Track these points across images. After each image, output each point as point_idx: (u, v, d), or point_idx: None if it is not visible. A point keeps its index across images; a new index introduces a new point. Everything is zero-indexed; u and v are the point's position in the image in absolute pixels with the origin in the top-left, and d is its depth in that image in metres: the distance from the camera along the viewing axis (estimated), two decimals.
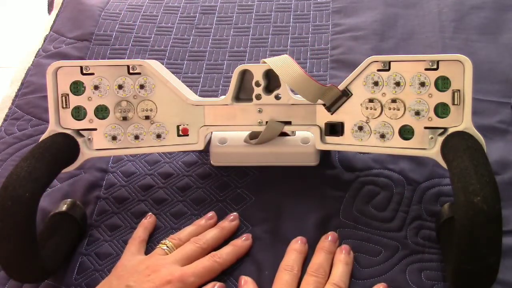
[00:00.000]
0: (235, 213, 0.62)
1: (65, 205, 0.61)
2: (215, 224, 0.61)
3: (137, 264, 0.55)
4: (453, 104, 0.57)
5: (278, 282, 0.55)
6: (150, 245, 0.61)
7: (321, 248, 0.57)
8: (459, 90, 0.57)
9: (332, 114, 0.62)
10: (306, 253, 0.58)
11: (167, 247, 0.57)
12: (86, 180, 0.68)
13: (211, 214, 0.62)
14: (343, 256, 0.56)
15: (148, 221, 0.62)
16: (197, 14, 0.92)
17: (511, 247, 0.56)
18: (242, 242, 0.59)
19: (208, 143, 0.67)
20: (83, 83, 0.63)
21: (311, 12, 0.90)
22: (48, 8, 1.00)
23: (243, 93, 0.65)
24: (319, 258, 0.56)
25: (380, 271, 0.56)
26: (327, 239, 0.58)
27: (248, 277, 0.56)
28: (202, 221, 0.61)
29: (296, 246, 0.58)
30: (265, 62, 0.61)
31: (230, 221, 0.61)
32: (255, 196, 0.65)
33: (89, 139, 0.63)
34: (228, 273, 0.58)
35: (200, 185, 0.66)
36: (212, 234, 0.59)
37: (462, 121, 0.57)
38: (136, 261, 0.56)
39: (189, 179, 0.67)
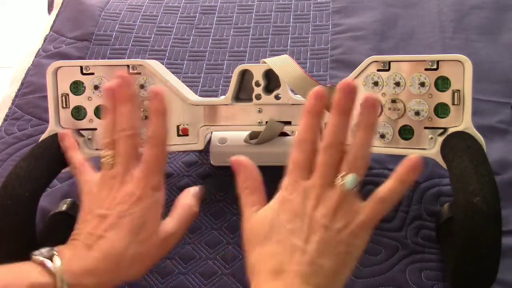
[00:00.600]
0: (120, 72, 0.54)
1: (65, 205, 0.61)
2: (124, 92, 0.53)
3: (98, 191, 0.51)
4: (453, 104, 0.57)
5: (291, 165, 0.47)
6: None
7: (335, 108, 0.45)
8: (459, 90, 0.57)
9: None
10: (325, 105, 0.46)
11: (111, 157, 0.52)
12: None
13: (119, 74, 0.53)
14: (402, 174, 0.44)
15: (68, 142, 0.57)
16: (197, 14, 0.92)
17: (511, 247, 0.56)
18: (157, 102, 0.52)
19: (208, 143, 0.67)
20: (83, 83, 0.63)
21: (311, 12, 0.90)
22: (48, 8, 1.00)
23: (243, 93, 0.65)
24: (331, 124, 0.45)
25: (380, 270, 0.56)
26: (340, 94, 0.44)
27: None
28: (109, 101, 0.53)
29: (312, 104, 0.46)
30: (265, 62, 0.61)
31: (123, 79, 0.53)
32: None
33: (89, 138, 0.63)
34: (228, 273, 0.58)
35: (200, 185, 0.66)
36: (126, 115, 0.52)
37: (462, 121, 0.57)
38: (96, 187, 0.51)
39: (189, 179, 0.67)
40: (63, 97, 0.63)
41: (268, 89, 0.63)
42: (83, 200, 0.52)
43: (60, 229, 0.59)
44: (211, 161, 0.68)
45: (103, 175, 0.52)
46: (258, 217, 0.47)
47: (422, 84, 0.58)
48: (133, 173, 0.51)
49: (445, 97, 0.57)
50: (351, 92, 0.44)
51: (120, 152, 0.51)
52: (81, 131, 0.63)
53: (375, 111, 0.45)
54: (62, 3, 0.96)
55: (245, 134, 0.66)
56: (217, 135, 0.67)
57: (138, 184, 0.50)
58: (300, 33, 0.87)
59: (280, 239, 0.44)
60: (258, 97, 0.62)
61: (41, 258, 0.45)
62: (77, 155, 0.56)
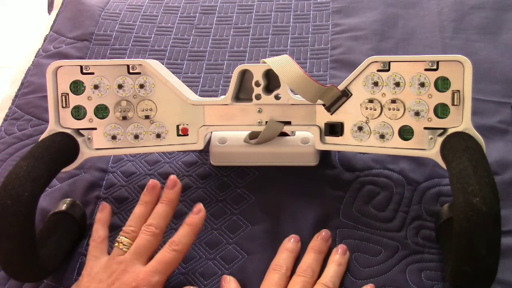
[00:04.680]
0: (173, 176, 0.60)
1: (65, 204, 0.61)
2: (159, 193, 0.59)
3: (100, 271, 0.55)
4: (453, 104, 0.57)
5: (266, 282, 0.55)
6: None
7: (312, 248, 0.58)
8: (458, 91, 0.57)
9: (331, 114, 0.62)
10: (298, 252, 0.58)
11: (124, 245, 0.56)
12: (86, 180, 0.68)
13: (153, 183, 0.60)
14: (337, 256, 0.57)
15: (103, 215, 0.60)
16: (197, 14, 0.92)
17: (510, 247, 0.56)
18: (196, 217, 0.57)
19: (208, 143, 0.67)
20: (83, 83, 0.63)
21: (311, 12, 0.90)
22: (48, 8, 1.01)
23: (243, 93, 0.65)
24: (308, 258, 0.57)
25: (380, 271, 0.56)
26: (318, 238, 0.59)
27: (231, 277, 0.57)
28: (146, 197, 0.59)
29: (288, 245, 0.58)
30: (265, 62, 0.61)
31: (173, 189, 0.59)
32: (255, 196, 0.65)
33: (88, 138, 0.63)
34: (228, 273, 0.58)
35: (200, 185, 0.67)
36: (160, 213, 0.57)
37: (462, 121, 0.57)
38: (99, 268, 0.55)
39: (189, 179, 0.67)
40: (63, 97, 0.63)
41: (268, 89, 0.63)
42: (83, 275, 0.55)
43: (59, 229, 0.59)
44: (210, 161, 0.68)
45: (111, 258, 0.56)
46: None
47: (422, 85, 0.58)
48: (138, 267, 0.54)
49: (445, 97, 0.57)
50: (326, 240, 0.59)
51: (137, 244, 0.56)
52: (80, 131, 0.63)
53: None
54: (62, 3, 0.96)
55: (245, 134, 0.66)
56: (216, 135, 0.67)
57: (137, 277, 0.53)
58: (300, 33, 0.86)
59: None
60: (258, 97, 0.62)
61: None
62: (102, 230, 0.59)
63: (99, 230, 0.59)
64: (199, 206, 0.58)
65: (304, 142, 0.65)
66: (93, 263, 0.56)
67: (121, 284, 0.53)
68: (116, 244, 0.57)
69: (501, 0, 0.87)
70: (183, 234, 0.56)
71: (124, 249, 0.56)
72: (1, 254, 0.52)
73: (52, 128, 0.62)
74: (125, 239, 0.57)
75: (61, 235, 0.59)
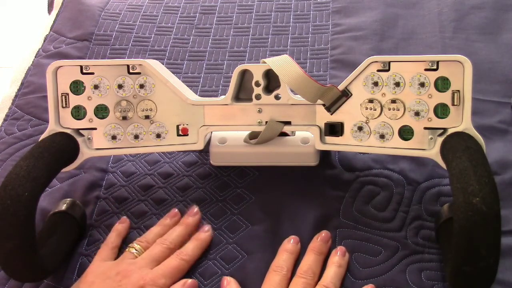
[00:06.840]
0: (195, 206, 0.63)
1: (65, 204, 0.61)
2: (178, 221, 0.62)
3: (107, 270, 0.56)
4: (453, 104, 0.57)
5: (267, 283, 0.55)
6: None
7: (312, 249, 0.58)
8: (458, 91, 0.57)
9: (331, 114, 0.62)
10: (298, 253, 0.58)
11: (136, 250, 0.58)
12: (86, 180, 0.68)
13: (175, 211, 0.63)
14: (337, 258, 0.57)
15: (122, 226, 0.62)
16: (197, 14, 0.92)
17: (510, 247, 0.56)
18: (204, 234, 0.60)
19: (208, 143, 0.67)
20: (83, 83, 0.63)
21: (311, 12, 0.90)
22: (48, 8, 1.01)
23: (243, 93, 0.65)
24: (309, 260, 0.57)
25: (380, 271, 0.56)
26: (318, 240, 0.59)
27: (231, 278, 0.57)
28: (166, 220, 0.62)
29: (288, 246, 0.58)
30: (265, 62, 0.61)
31: (193, 216, 0.62)
32: (255, 196, 0.65)
33: (88, 138, 0.63)
34: (228, 273, 0.58)
35: (200, 185, 0.67)
36: (177, 233, 0.60)
37: (462, 121, 0.57)
38: (106, 267, 0.56)
39: (189, 179, 0.67)
40: (63, 97, 0.63)
41: (268, 89, 0.63)
42: (86, 273, 0.56)
43: (59, 229, 0.59)
44: (210, 161, 0.68)
45: (121, 259, 0.57)
46: None
47: (422, 85, 0.58)
48: (146, 269, 0.55)
49: (445, 97, 0.57)
50: (326, 241, 0.58)
51: (151, 253, 0.58)
52: (80, 131, 0.63)
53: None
54: (62, 3, 0.96)
55: (245, 134, 0.66)
56: (216, 135, 0.67)
57: (145, 277, 0.54)
58: (300, 33, 0.86)
59: None
60: (258, 97, 0.62)
61: None
62: (116, 238, 0.61)
63: (113, 238, 0.61)
64: (209, 227, 0.61)
65: (304, 142, 0.65)
66: (99, 263, 0.57)
67: (128, 282, 0.54)
68: (128, 249, 0.58)
69: (501, 0, 0.87)
70: (191, 247, 0.59)
71: (135, 253, 0.58)
72: (1, 254, 0.52)
73: (52, 128, 0.62)
74: (138, 245, 0.59)
75: (61, 235, 0.59)
